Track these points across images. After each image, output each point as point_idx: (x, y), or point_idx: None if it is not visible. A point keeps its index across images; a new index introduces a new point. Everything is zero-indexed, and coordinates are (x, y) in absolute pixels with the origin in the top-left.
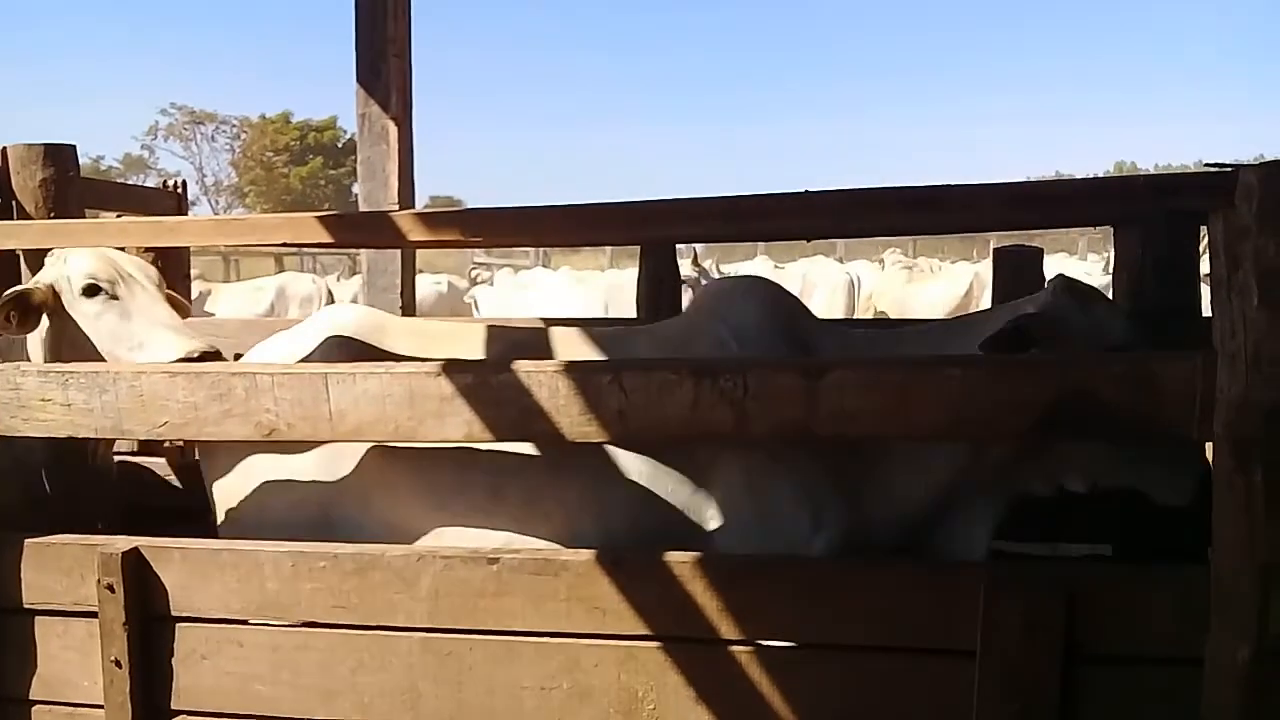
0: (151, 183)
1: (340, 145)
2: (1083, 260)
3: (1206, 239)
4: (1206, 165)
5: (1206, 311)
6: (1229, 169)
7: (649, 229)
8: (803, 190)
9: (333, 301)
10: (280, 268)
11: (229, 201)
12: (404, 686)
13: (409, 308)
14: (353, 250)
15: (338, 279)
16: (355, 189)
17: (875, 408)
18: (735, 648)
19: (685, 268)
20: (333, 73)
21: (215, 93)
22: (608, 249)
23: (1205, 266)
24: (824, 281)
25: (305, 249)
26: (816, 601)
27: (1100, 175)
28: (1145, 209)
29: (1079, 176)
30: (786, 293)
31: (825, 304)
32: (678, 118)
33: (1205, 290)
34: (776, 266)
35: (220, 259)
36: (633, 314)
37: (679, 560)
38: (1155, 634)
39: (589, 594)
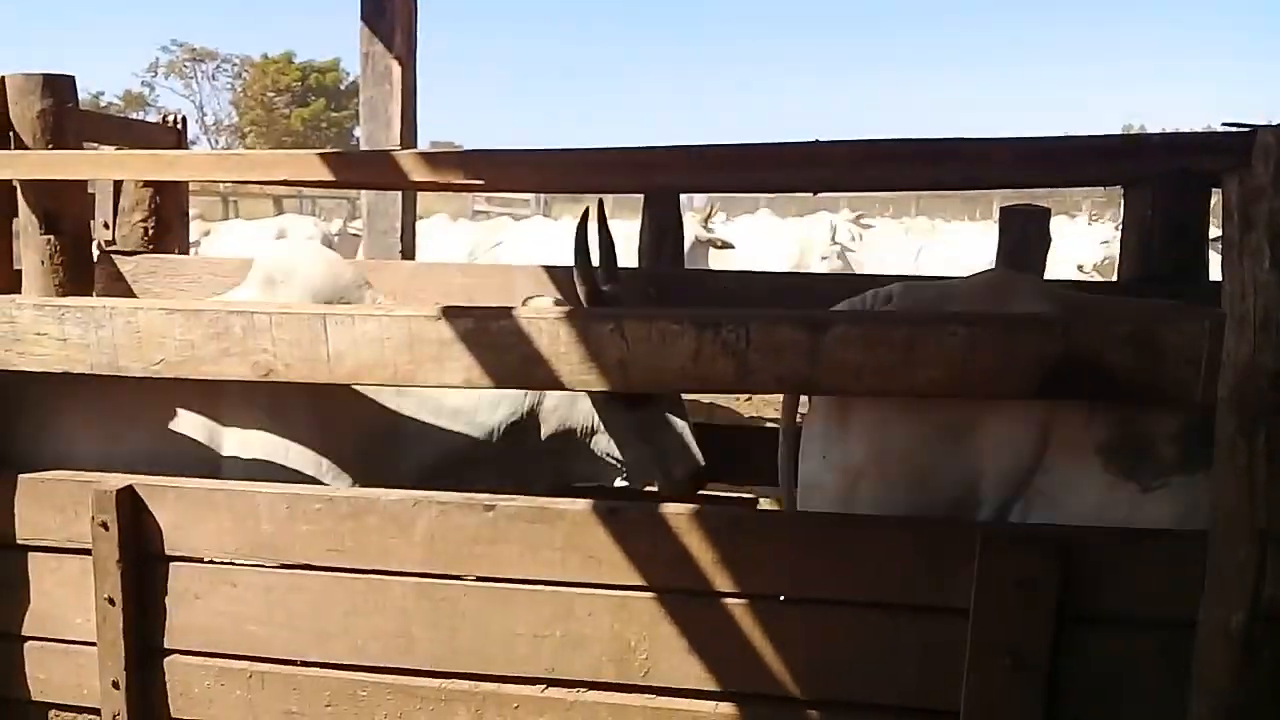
0: (152, 120)
1: (343, 88)
2: (1088, 225)
3: (1219, 200)
4: (1224, 125)
5: (1213, 275)
6: (1246, 129)
7: (657, 176)
8: (813, 140)
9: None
10: (279, 210)
11: (229, 141)
12: (398, 630)
13: (409, 251)
14: (353, 193)
15: (344, 223)
16: (357, 132)
17: (878, 363)
18: (729, 600)
19: (695, 228)
20: (337, 12)
21: (217, 31)
22: (609, 200)
23: (1214, 231)
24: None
25: (305, 191)
26: (810, 556)
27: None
28: (1158, 168)
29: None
30: None
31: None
32: (695, 68)
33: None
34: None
35: (219, 200)
36: (634, 264)
37: (675, 512)
38: (1149, 595)
39: (584, 543)
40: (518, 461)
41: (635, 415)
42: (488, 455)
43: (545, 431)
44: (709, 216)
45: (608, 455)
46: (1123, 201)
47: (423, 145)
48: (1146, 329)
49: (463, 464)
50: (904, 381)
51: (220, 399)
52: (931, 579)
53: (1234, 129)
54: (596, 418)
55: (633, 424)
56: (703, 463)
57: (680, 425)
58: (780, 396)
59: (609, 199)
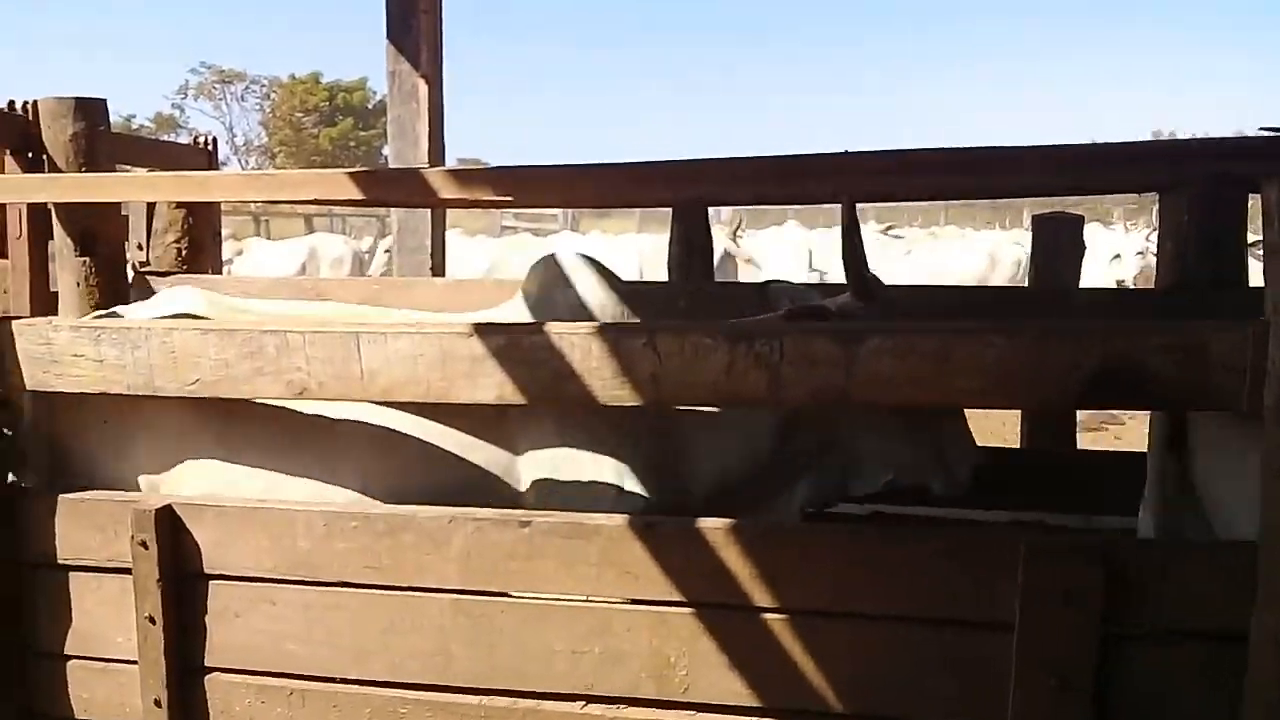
0: (183, 141)
1: (370, 107)
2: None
3: (1260, 206)
4: (1261, 129)
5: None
6: None
7: (692, 189)
8: (843, 151)
9: (363, 266)
10: (310, 229)
11: (259, 161)
12: (435, 648)
13: (439, 269)
14: (383, 212)
15: (375, 240)
16: (385, 150)
17: (913, 374)
18: (769, 615)
19: (724, 240)
20: (363, 32)
21: (245, 52)
22: (636, 213)
23: (1252, 236)
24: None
25: (335, 210)
26: (852, 569)
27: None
28: (1197, 174)
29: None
30: None
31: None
32: (715, 85)
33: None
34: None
35: (250, 219)
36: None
37: (712, 526)
38: (1198, 608)
39: (621, 558)
40: (781, 472)
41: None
42: (763, 466)
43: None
44: (737, 230)
45: (878, 456)
46: (1157, 208)
47: (450, 162)
48: (1187, 336)
49: (745, 482)
50: (939, 392)
51: (508, 423)
52: (974, 592)
53: (1273, 132)
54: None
55: (912, 418)
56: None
57: (958, 417)
58: None
59: (637, 213)
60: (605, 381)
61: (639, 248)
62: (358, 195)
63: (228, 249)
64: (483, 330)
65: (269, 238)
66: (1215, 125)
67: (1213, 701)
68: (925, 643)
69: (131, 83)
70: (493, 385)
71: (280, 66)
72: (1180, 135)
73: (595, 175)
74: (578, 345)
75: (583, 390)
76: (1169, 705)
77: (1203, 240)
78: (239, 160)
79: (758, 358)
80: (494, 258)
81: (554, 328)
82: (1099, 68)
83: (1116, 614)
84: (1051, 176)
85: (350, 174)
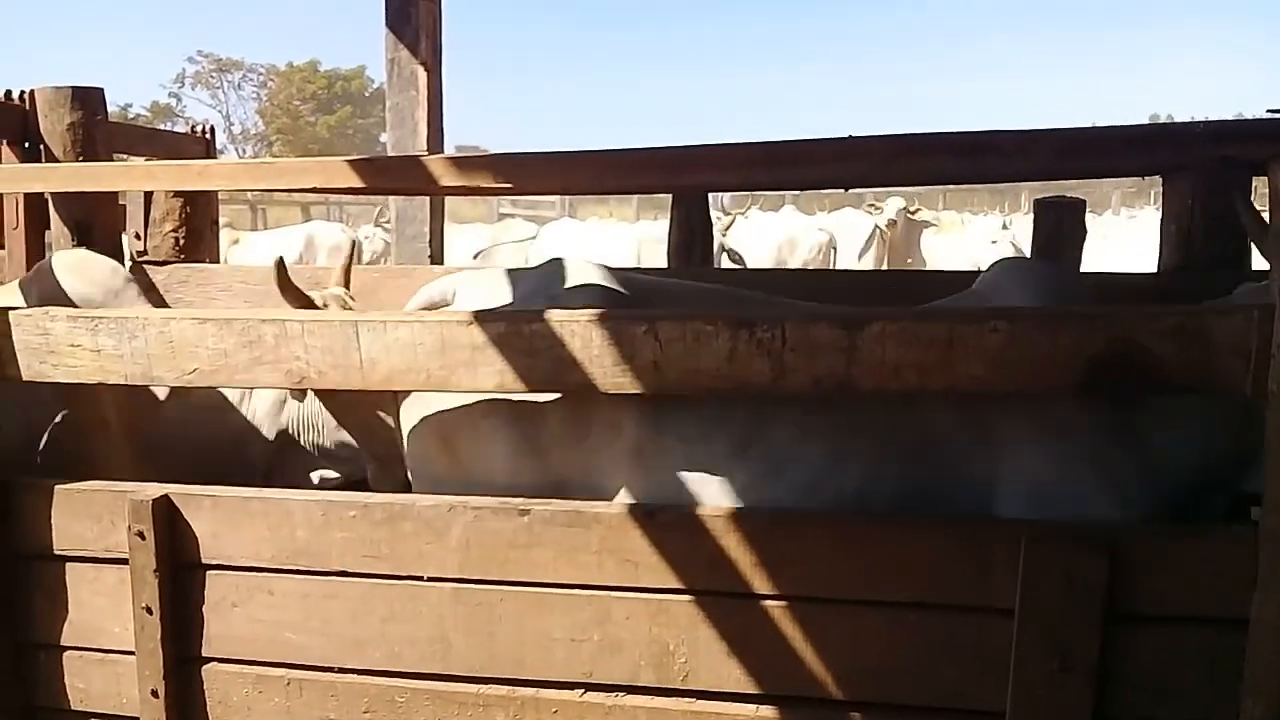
0: (180, 130)
1: (368, 94)
2: (1115, 214)
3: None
4: (1268, 111)
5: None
6: None
7: (687, 176)
8: (845, 135)
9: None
10: (308, 217)
11: (256, 150)
12: (434, 636)
13: (437, 256)
14: (380, 199)
15: (374, 225)
16: (384, 138)
17: (918, 360)
18: (768, 602)
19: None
20: (362, 19)
21: (242, 40)
22: (634, 200)
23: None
24: (852, 233)
25: (332, 198)
26: (851, 556)
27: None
28: (1200, 157)
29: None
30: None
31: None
32: (721, 66)
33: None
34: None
35: (247, 208)
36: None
37: (712, 514)
38: (1199, 592)
39: (621, 546)
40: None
41: None
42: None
43: None
44: (728, 228)
45: None
46: (1161, 191)
47: (449, 150)
48: (1191, 320)
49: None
50: (944, 378)
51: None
52: (974, 578)
53: (1277, 115)
54: None
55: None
56: None
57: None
58: None
59: (635, 200)
60: (606, 370)
61: (638, 234)
62: (358, 183)
63: (225, 238)
64: (483, 318)
65: (265, 227)
66: (1213, 110)
67: (1214, 685)
68: (925, 628)
69: (128, 72)
70: (493, 373)
71: (278, 54)
72: (1178, 120)
73: (594, 161)
74: (578, 333)
75: (584, 378)
76: (1170, 689)
77: (1206, 223)
78: (236, 149)
79: (760, 344)
80: (488, 243)
81: (555, 315)
82: (1095, 52)
83: (1119, 598)
84: (1058, 160)
85: (350, 162)
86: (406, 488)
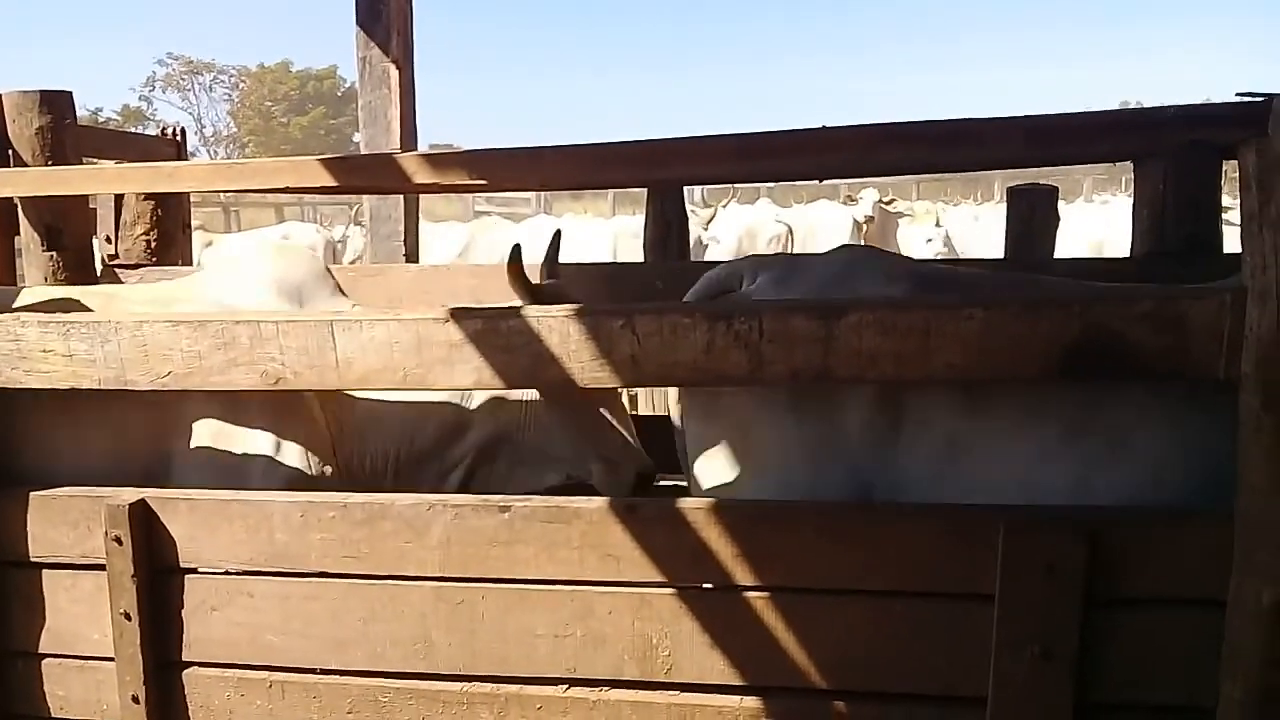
0: (151, 133)
1: (341, 94)
2: (1089, 202)
3: (1237, 172)
4: (1238, 95)
5: (1228, 248)
6: (1261, 99)
7: (659, 169)
8: (821, 125)
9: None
10: (282, 218)
11: (229, 152)
12: (416, 636)
13: (412, 255)
14: (354, 199)
15: (346, 227)
16: (357, 137)
17: (894, 349)
18: (751, 594)
19: (696, 229)
20: (333, 19)
21: (213, 41)
22: (609, 195)
23: (1226, 202)
24: (829, 226)
25: (306, 198)
26: (832, 546)
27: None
28: (1173, 142)
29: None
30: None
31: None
32: (690, 63)
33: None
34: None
35: (221, 210)
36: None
37: (693, 507)
38: (1177, 576)
39: (602, 541)
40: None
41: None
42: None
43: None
44: (709, 221)
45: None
46: (1133, 177)
47: (422, 148)
48: (1165, 305)
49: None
50: (921, 368)
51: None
52: (955, 565)
53: (1249, 99)
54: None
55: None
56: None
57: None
58: None
59: (611, 194)
60: (584, 365)
61: (614, 229)
62: (331, 182)
63: (197, 240)
64: (459, 315)
65: (239, 229)
66: (1181, 96)
67: (1194, 669)
68: (907, 617)
69: (98, 76)
70: (470, 371)
71: (249, 56)
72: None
73: (570, 156)
74: (556, 328)
75: (562, 373)
76: (1154, 673)
77: (1178, 208)
78: (208, 151)
79: (737, 336)
80: (464, 242)
81: (532, 311)
82: (1063, 40)
83: (1099, 584)
84: (1032, 147)
85: (323, 161)
86: (636, 491)
